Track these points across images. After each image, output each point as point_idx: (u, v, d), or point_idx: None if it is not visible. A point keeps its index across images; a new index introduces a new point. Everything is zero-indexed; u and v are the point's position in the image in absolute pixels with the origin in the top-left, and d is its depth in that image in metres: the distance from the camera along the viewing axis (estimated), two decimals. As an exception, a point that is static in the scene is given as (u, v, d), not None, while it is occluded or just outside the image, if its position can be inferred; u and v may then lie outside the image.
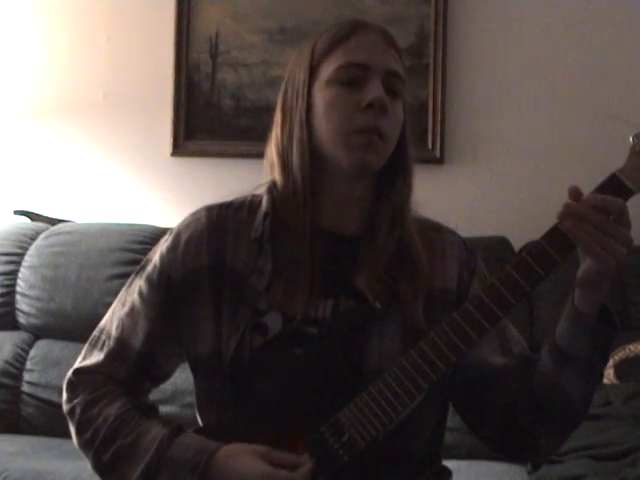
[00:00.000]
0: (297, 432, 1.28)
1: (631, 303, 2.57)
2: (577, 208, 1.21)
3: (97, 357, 1.41)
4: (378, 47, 1.35)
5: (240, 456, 1.25)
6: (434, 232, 1.46)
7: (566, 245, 1.23)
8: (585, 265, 1.25)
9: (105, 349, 1.41)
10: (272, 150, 1.40)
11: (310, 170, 1.35)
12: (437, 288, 1.40)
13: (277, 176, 1.39)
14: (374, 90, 1.32)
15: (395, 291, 1.36)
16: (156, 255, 1.43)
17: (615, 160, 1.32)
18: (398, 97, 1.36)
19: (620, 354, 2.40)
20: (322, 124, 1.34)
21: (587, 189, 1.27)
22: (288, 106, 1.38)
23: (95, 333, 1.45)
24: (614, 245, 1.20)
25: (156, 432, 1.32)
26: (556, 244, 1.24)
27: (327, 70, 1.34)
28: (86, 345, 1.45)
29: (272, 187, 1.41)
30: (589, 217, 1.20)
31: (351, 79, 1.33)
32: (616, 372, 2.36)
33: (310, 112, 1.35)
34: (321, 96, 1.35)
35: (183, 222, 1.44)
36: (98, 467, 1.36)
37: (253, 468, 1.23)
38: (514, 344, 1.43)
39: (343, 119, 1.33)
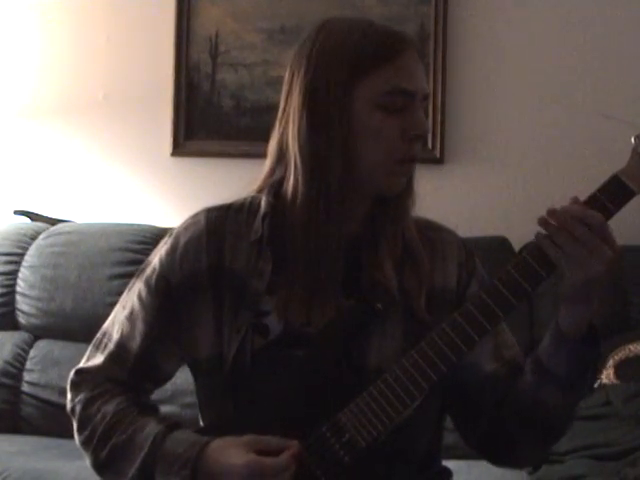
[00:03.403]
0: (298, 432, 1.28)
1: (631, 303, 2.57)
2: (556, 214, 1.22)
3: (98, 359, 1.42)
4: (418, 68, 1.34)
5: (227, 448, 1.26)
6: (434, 232, 1.46)
7: None
8: (568, 278, 1.23)
9: (106, 352, 1.42)
10: (293, 159, 1.34)
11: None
12: (438, 288, 1.40)
13: (301, 186, 1.34)
14: (420, 122, 1.32)
15: (389, 289, 1.36)
16: (155, 258, 1.43)
17: (616, 161, 1.32)
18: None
19: (620, 354, 2.40)
20: (364, 148, 1.32)
21: (587, 189, 1.27)
22: (321, 117, 1.31)
23: (98, 335, 1.46)
24: (591, 257, 1.20)
25: (151, 429, 1.32)
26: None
27: (372, 89, 1.31)
28: (90, 347, 1.46)
29: (276, 188, 1.39)
30: (567, 225, 1.21)
31: (396, 107, 1.31)
32: (616, 372, 2.36)
33: (350, 127, 1.31)
34: (365, 117, 1.31)
35: (182, 225, 1.44)
36: (96, 464, 1.37)
37: (238, 459, 1.23)
38: (507, 348, 1.42)
39: (388, 149, 1.32)
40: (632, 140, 1.26)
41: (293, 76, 1.36)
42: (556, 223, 1.22)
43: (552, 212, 1.23)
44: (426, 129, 1.34)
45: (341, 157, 1.31)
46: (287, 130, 1.35)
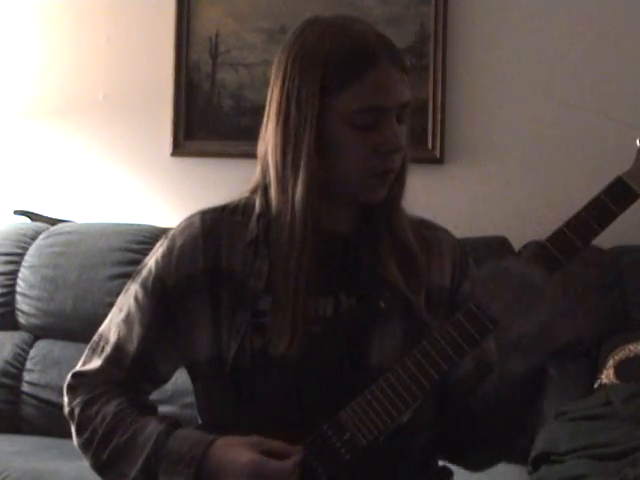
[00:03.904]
0: (299, 431, 1.28)
1: (631, 303, 2.57)
2: None
3: (96, 363, 1.42)
4: (394, 81, 1.31)
5: (232, 447, 1.26)
6: (429, 231, 1.46)
7: (571, 247, 1.24)
8: (508, 331, 1.24)
9: (103, 355, 1.42)
10: (270, 166, 1.36)
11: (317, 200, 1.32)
12: (435, 287, 1.41)
13: (274, 194, 1.36)
14: (391, 136, 1.30)
15: (394, 285, 1.36)
16: (151, 260, 1.43)
17: (616, 161, 1.32)
18: (405, 120, 1.35)
19: (620, 354, 2.40)
20: (336, 161, 1.32)
21: (588, 190, 1.27)
22: (292, 129, 1.32)
23: (95, 338, 1.45)
24: (529, 310, 1.20)
25: (153, 428, 1.32)
26: (561, 246, 1.24)
27: (341, 105, 1.29)
28: (86, 350, 1.46)
29: (266, 188, 1.39)
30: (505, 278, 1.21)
31: (367, 124, 1.30)
32: (616, 372, 2.36)
33: (320, 140, 1.31)
34: (336, 134, 1.31)
35: (178, 227, 1.44)
36: (97, 466, 1.36)
37: (242, 457, 1.24)
38: (485, 355, 1.44)
39: (360, 165, 1.32)
40: (637, 142, 1.26)
41: (273, 83, 1.36)
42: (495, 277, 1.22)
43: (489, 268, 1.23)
44: (399, 143, 1.31)
45: (308, 171, 1.31)
46: (268, 139, 1.36)
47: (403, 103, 1.32)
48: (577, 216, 1.25)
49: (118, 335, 1.41)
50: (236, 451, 1.25)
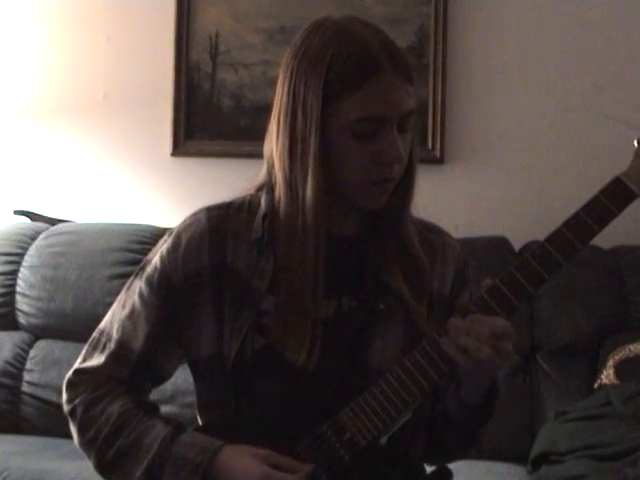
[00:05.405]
0: (299, 431, 1.28)
1: (631, 303, 2.57)
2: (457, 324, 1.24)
3: (98, 359, 1.41)
4: (396, 91, 1.29)
5: (241, 457, 1.26)
6: (435, 235, 1.46)
7: (570, 247, 1.24)
8: (467, 376, 1.28)
9: (106, 351, 1.41)
10: (277, 168, 1.36)
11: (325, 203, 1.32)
12: (436, 292, 1.41)
13: (282, 196, 1.35)
14: (391, 146, 1.30)
15: (397, 291, 1.36)
16: (156, 257, 1.42)
17: (616, 162, 1.32)
18: (409, 128, 1.34)
19: (620, 354, 2.40)
20: (338, 169, 1.32)
21: (587, 190, 1.27)
22: (299, 133, 1.31)
23: (95, 335, 1.44)
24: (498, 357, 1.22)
25: (158, 430, 1.32)
26: (560, 246, 1.24)
27: (342, 113, 1.29)
28: (86, 346, 1.44)
29: (271, 188, 1.39)
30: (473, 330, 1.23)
31: (366, 133, 1.30)
32: (616, 372, 2.36)
33: (324, 145, 1.30)
34: (338, 141, 1.30)
35: (183, 223, 1.43)
36: (100, 466, 1.36)
37: (253, 469, 1.24)
38: None
39: (359, 173, 1.31)
40: (635, 143, 1.26)
41: (280, 84, 1.36)
42: (464, 329, 1.23)
43: (458, 321, 1.25)
44: (398, 154, 1.30)
45: (316, 176, 1.31)
46: (274, 139, 1.36)
47: (405, 113, 1.31)
48: (575, 216, 1.25)
49: (122, 332, 1.40)
50: (246, 462, 1.25)
